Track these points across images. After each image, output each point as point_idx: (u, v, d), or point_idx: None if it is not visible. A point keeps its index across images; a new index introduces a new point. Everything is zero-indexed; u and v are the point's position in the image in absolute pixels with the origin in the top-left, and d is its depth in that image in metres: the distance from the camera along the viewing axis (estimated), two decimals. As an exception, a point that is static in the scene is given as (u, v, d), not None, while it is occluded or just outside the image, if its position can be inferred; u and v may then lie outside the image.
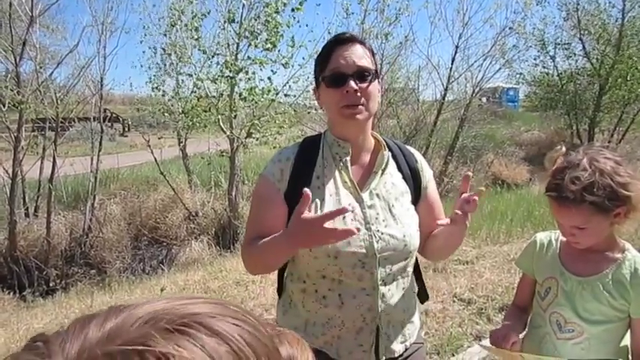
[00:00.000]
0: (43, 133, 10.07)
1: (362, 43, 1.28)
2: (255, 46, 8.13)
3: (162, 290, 4.87)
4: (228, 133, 8.50)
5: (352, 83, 1.21)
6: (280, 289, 1.44)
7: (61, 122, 9.10)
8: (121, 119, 22.09)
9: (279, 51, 8.19)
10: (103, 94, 10.38)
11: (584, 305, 1.25)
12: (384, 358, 1.30)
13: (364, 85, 1.23)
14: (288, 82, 8.80)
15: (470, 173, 1.24)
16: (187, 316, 0.37)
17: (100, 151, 9.74)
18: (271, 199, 1.28)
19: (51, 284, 8.27)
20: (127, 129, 21.92)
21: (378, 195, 1.29)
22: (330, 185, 1.28)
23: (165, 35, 9.79)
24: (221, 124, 8.50)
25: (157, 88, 10.12)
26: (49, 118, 9.32)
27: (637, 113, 14.53)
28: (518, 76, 16.14)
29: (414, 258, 1.35)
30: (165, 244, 9.72)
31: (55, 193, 9.26)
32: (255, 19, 8.09)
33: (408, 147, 1.45)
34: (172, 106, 10.45)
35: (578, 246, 1.26)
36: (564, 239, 1.33)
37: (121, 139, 20.44)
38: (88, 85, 9.99)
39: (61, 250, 8.86)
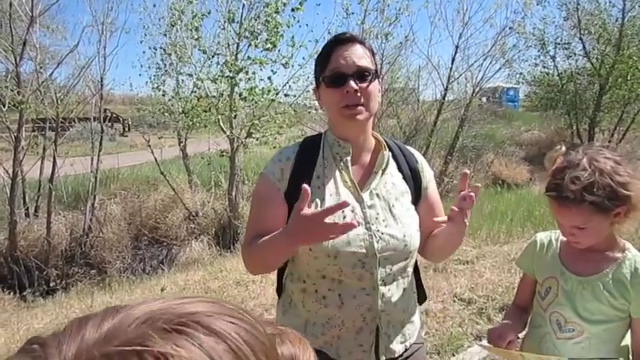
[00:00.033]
0: (43, 133, 10.08)
1: (362, 43, 1.28)
2: (256, 46, 8.13)
3: (162, 290, 4.88)
4: (228, 133, 8.50)
5: (352, 83, 1.21)
6: (280, 289, 1.45)
7: (62, 122, 9.10)
8: (121, 119, 22.11)
9: (279, 51, 8.21)
10: (103, 94, 10.39)
11: (585, 305, 1.25)
12: (383, 358, 1.29)
13: (364, 84, 1.23)
14: (288, 82, 8.82)
15: (467, 171, 1.24)
16: (185, 316, 0.37)
17: (100, 151, 9.74)
18: (271, 198, 1.28)
19: (51, 284, 8.27)
20: (127, 129, 21.94)
21: (378, 195, 1.29)
22: (331, 185, 1.28)
23: (165, 35, 9.80)
24: (221, 124, 8.50)
25: (157, 88, 10.13)
26: (49, 118, 9.32)
27: (637, 113, 14.52)
28: (518, 75, 16.15)
29: (415, 258, 1.35)
30: (165, 244, 9.72)
31: (55, 193, 9.27)
32: (255, 19, 8.09)
33: (409, 147, 1.44)
34: (172, 106, 10.46)
35: (579, 246, 1.26)
36: (564, 239, 1.33)
37: (121, 139, 20.46)
38: (88, 85, 10.00)
39: (61, 250, 8.87)
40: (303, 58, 8.84)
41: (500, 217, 6.22)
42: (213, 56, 8.61)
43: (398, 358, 1.33)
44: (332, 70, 1.24)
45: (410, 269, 1.34)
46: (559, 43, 14.90)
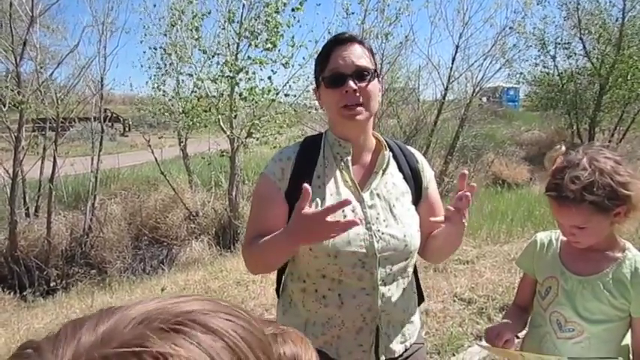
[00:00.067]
0: (43, 133, 10.07)
1: (361, 42, 1.29)
2: (256, 45, 8.13)
3: (162, 290, 4.88)
4: (228, 132, 8.49)
5: (351, 83, 1.21)
6: (279, 289, 1.45)
7: (62, 122, 9.09)
8: (121, 119, 22.12)
9: (279, 51, 8.20)
10: (104, 94, 10.38)
11: (585, 304, 1.25)
12: (383, 358, 1.29)
13: (363, 84, 1.23)
14: (288, 82, 8.81)
15: (466, 171, 1.23)
16: (181, 315, 0.37)
17: (100, 151, 9.74)
18: (272, 197, 1.28)
19: (51, 284, 8.27)
20: (127, 129, 21.94)
21: (378, 195, 1.29)
22: (331, 185, 1.28)
23: (165, 35, 9.79)
24: (221, 124, 8.50)
25: (157, 87, 10.13)
26: (49, 118, 9.31)
27: (637, 113, 14.50)
28: (518, 75, 16.12)
29: (415, 259, 1.35)
30: (165, 244, 9.72)
31: (55, 193, 9.27)
32: (256, 19, 8.09)
33: (409, 147, 1.44)
34: (173, 105, 10.46)
35: (579, 245, 1.26)
36: (565, 239, 1.33)
37: (122, 139, 20.47)
38: (88, 85, 9.98)
39: (61, 250, 8.87)
40: (304, 57, 8.84)
41: (500, 217, 6.22)
42: (213, 56, 8.61)
43: (398, 358, 1.33)
44: (331, 71, 1.24)
45: (410, 269, 1.34)
46: (559, 43, 14.90)
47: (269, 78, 8.45)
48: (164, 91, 10.15)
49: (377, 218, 1.26)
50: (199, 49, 8.68)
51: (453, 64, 12.19)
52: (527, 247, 1.46)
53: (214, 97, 8.60)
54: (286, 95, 8.91)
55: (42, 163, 9.34)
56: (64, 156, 9.63)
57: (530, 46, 14.56)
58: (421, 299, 1.46)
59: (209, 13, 8.68)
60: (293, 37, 8.27)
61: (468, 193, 1.19)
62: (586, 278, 1.26)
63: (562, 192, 1.17)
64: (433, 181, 1.43)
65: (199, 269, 5.97)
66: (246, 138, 8.70)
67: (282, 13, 7.92)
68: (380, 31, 10.32)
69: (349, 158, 1.30)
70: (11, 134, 8.27)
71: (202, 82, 8.58)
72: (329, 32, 9.02)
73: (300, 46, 8.37)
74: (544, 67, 15.53)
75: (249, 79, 8.28)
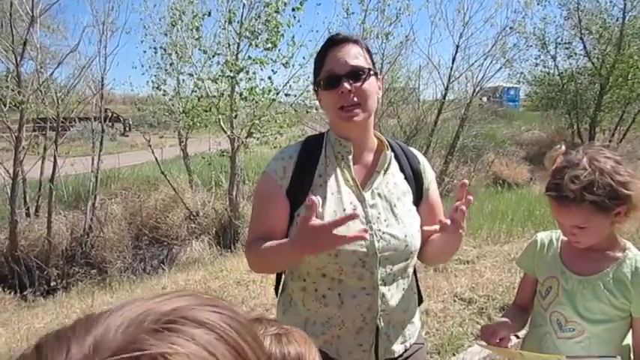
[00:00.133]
0: (44, 132, 10.07)
1: (356, 42, 1.28)
2: (256, 45, 8.13)
3: (163, 290, 4.88)
4: (228, 132, 8.50)
5: (346, 84, 1.21)
6: (278, 288, 1.45)
7: (62, 122, 9.10)
8: (121, 119, 22.15)
9: (279, 50, 8.21)
10: (104, 93, 10.38)
11: (585, 304, 1.25)
12: (383, 358, 1.29)
13: (358, 84, 1.23)
14: (288, 82, 8.81)
15: (466, 181, 1.21)
16: (170, 313, 0.36)
17: (100, 150, 9.75)
18: (274, 196, 1.28)
19: (52, 284, 8.28)
20: (127, 129, 21.97)
21: (380, 194, 1.29)
22: (332, 183, 1.28)
23: (165, 35, 9.80)
24: (222, 123, 8.50)
25: (157, 87, 10.13)
26: (49, 117, 9.32)
27: (638, 113, 14.50)
28: (518, 75, 16.14)
29: (415, 259, 1.35)
30: (166, 243, 9.73)
31: (55, 193, 9.28)
32: (256, 19, 8.09)
33: (411, 148, 1.44)
34: (173, 105, 10.46)
35: (579, 245, 1.26)
36: (565, 239, 1.33)
37: (122, 139, 20.50)
38: (88, 84, 9.99)
39: (61, 250, 8.87)
40: (304, 57, 8.85)
41: (500, 217, 6.22)
42: (213, 56, 8.62)
43: (398, 359, 1.33)
44: (326, 72, 1.25)
45: (410, 270, 1.34)
46: (560, 43, 14.90)
47: (269, 78, 8.47)
48: (164, 91, 10.15)
49: (378, 218, 1.26)
50: (200, 49, 8.69)
51: (453, 63, 12.21)
52: (527, 247, 1.46)
53: (215, 96, 8.60)
54: (287, 95, 8.92)
55: (42, 162, 9.35)
56: (65, 156, 9.64)
57: (531, 45, 14.59)
58: (420, 300, 1.46)
59: (209, 13, 8.69)
60: (293, 37, 8.28)
61: (464, 207, 1.17)
62: (586, 278, 1.26)
63: (562, 192, 1.17)
64: (434, 183, 1.43)
65: (200, 269, 5.98)
66: (246, 138, 8.71)
67: (283, 12, 7.93)
68: (380, 31, 10.33)
69: (350, 157, 1.30)
70: (12, 134, 8.28)
71: (203, 81, 8.59)
72: (329, 32, 9.04)
73: (301, 46, 8.39)
74: (544, 67, 15.55)
75: (249, 78, 8.28)
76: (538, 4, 13.57)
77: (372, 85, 1.26)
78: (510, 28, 12.50)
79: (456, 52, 12.10)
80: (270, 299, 3.92)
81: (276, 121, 8.86)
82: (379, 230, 1.24)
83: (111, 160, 12.44)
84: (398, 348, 1.32)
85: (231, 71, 8.02)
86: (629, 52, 13.47)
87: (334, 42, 1.27)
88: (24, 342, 3.80)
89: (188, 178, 11.65)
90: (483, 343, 1.36)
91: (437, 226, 1.22)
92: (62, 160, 9.37)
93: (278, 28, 7.91)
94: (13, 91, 8.09)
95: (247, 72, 8.22)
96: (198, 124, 10.04)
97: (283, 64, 8.33)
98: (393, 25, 10.36)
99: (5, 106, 8.11)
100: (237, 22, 8.12)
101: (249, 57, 8.32)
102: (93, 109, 10.06)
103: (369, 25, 10.21)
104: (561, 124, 17.18)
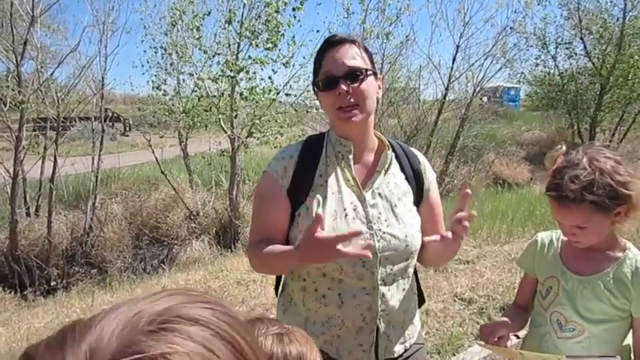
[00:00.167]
0: (44, 132, 10.08)
1: (353, 42, 1.28)
2: (256, 45, 8.13)
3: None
4: (229, 132, 8.50)
5: (342, 85, 1.21)
6: (278, 288, 1.45)
7: (62, 122, 9.10)
8: (122, 119, 22.16)
9: (279, 50, 8.21)
10: (104, 93, 10.38)
11: (585, 304, 1.25)
12: (383, 358, 1.29)
13: (356, 84, 1.23)
14: (289, 82, 8.81)
15: (469, 191, 1.21)
16: (163, 313, 0.36)
17: (101, 150, 9.75)
18: (274, 195, 1.29)
19: (52, 283, 8.28)
20: (128, 128, 21.98)
21: (380, 194, 1.29)
22: (333, 183, 1.28)
23: (166, 35, 9.80)
24: (222, 123, 8.50)
25: (157, 87, 10.13)
26: (50, 117, 9.32)
27: (638, 113, 14.50)
28: (519, 75, 16.14)
29: (415, 259, 1.35)
30: (166, 243, 9.73)
31: (56, 193, 9.28)
32: (256, 19, 8.09)
33: (412, 149, 1.44)
34: (173, 105, 10.46)
35: (579, 245, 1.26)
36: (565, 238, 1.33)
37: (122, 139, 20.51)
38: (89, 84, 9.98)
39: (62, 250, 8.88)
40: (304, 57, 8.85)
41: (500, 217, 6.22)
42: (214, 56, 8.62)
43: (398, 359, 1.33)
44: (324, 74, 1.25)
45: (411, 270, 1.34)
46: (560, 43, 14.90)
47: (269, 78, 8.47)
48: (165, 91, 10.16)
49: (378, 218, 1.26)
50: (200, 49, 8.69)
51: (453, 63, 12.22)
52: (527, 247, 1.46)
53: (215, 96, 8.61)
54: (287, 95, 8.92)
55: (42, 162, 9.35)
56: (65, 155, 9.64)
57: (531, 45, 14.59)
58: (422, 301, 1.47)
59: (209, 12, 8.69)
60: (294, 37, 8.28)
61: (467, 223, 1.17)
62: (587, 278, 1.26)
63: (562, 192, 1.17)
64: (435, 183, 1.43)
65: (200, 269, 5.98)
66: (246, 137, 8.71)
67: (283, 12, 7.93)
68: (380, 31, 10.34)
69: (351, 157, 1.30)
70: (12, 134, 8.28)
71: (203, 81, 8.59)
72: (329, 32, 9.04)
73: (301, 46, 8.39)
74: (545, 67, 15.55)
75: (249, 78, 8.29)
76: (538, 4, 13.59)
77: (370, 85, 1.25)
78: (511, 28, 12.52)
79: (457, 52, 12.12)
80: (270, 299, 3.92)
81: (276, 121, 8.86)
82: (379, 230, 1.24)
83: (111, 159, 12.44)
84: (398, 348, 1.32)
85: (231, 71, 8.03)
86: (630, 52, 13.47)
87: (331, 43, 1.27)
88: (24, 341, 3.80)
89: (188, 177, 11.65)
90: (483, 342, 1.36)
91: (437, 237, 1.21)
92: (62, 160, 9.38)
93: (278, 27, 7.91)
94: (13, 90, 8.10)
95: (247, 72, 8.22)
96: (198, 123, 10.04)
97: (283, 64, 8.34)
98: (393, 25, 10.38)
99: (5, 105, 8.11)
100: (238, 22, 8.12)
101: (250, 57, 8.33)
102: (93, 108, 10.06)
103: (370, 25, 10.23)
104: (561, 124, 17.18)
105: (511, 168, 15.91)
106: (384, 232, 1.24)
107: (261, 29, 8.04)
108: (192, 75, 9.12)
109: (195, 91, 9.24)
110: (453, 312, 3.43)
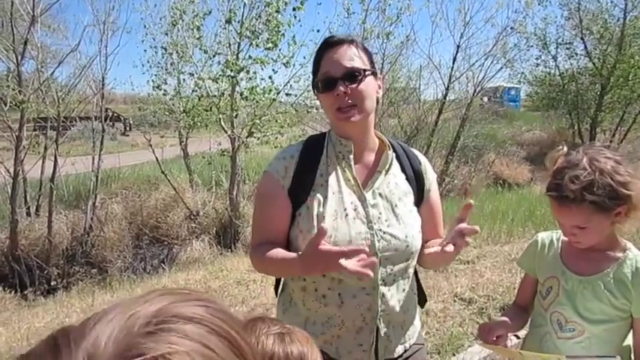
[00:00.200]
0: (44, 132, 10.08)
1: (351, 42, 1.28)
2: (257, 45, 8.12)
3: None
4: (229, 132, 8.49)
5: (341, 87, 1.22)
6: (278, 288, 1.45)
7: (63, 121, 9.10)
8: (122, 118, 22.16)
9: (280, 50, 8.20)
10: (105, 93, 10.37)
11: (585, 304, 1.25)
12: (383, 358, 1.30)
13: (354, 85, 1.23)
14: (289, 82, 8.81)
15: (472, 201, 1.20)
16: (157, 313, 0.36)
17: (101, 150, 9.74)
18: (275, 195, 1.29)
19: (52, 283, 8.28)
20: (128, 128, 21.99)
21: (381, 194, 1.29)
22: (333, 183, 1.28)
23: (166, 34, 9.80)
24: (222, 123, 8.50)
25: (158, 87, 10.13)
26: (50, 117, 9.31)
27: (639, 113, 14.49)
28: (519, 75, 16.11)
29: (416, 260, 1.35)
30: (166, 243, 9.72)
31: (56, 193, 9.28)
32: (257, 19, 8.09)
33: (413, 149, 1.45)
34: (174, 105, 10.46)
35: (580, 245, 1.26)
36: (566, 239, 1.33)
37: (123, 139, 20.51)
38: (89, 84, 9.97)
39: (62, 249, 8.87)
40: (304, 57, 8.85)
41: (501, 217, 6.22)
42: (214, 55, 8.62)
43: (398, 359, 1.33)
44: (322, 75, 1.26)
45: (411, 270, 1.34)
46: (560, 43, 14.89)
47: (270, 77, 8.46)
48: (165, 91, 10.15)
49: (379, 218, 1.26)
50: (200, 49, 8.69)
51: (454, 63, 12.21)
52: (528, 247, 1.46)
53: (215, 96, 8.60)
54: (287, 95, 8.91)
55: (43, 162, 9.34)
56: (65, 155, 9.64)
57: (532, 46, 14.57)
58: (424, 300, 1.46)
59: (210, 12, 8.69)
60: (294, 37, 8.28)
61: (469, 239, 1.16)
62: (587, 278, 1.26)
63: (562, 192, 1.17)
64: (435, 184, 1.43)
65: (200, 269, 5.98)
66: (247, 137, 8.71)
67: (283, 12, 7.92)
68: (381, 31, 10.33)
69: (351, 157, 1.31)
70: (12, 133, 8.28)
71: (203, 81, 8.58)
72: (330, 32, 9.04)
73: (302, 46, 8.38)
74: (545, 67, 15.54)
75: (250, 78, 8.28)
76: (539, 5, 13.57)
77: (368, 85, 1.25)
78: (511, 28, 12.51)
79: (457, 52, 12.11)
80: (270, 299, 3.92)
81: (276, 121, 8.86)
82: (380, 230, 1.24)
83: (111, 159, 12.43)
84: (398, 348, 1.32)
85: (231, 71, 8.02)
86: (630, 52, 13.46)
87: (330, 44, 1.27)
88: (24, 341, 3.80)
89: (188, 177, 11.65)
90: (482, 342, 1.36)
91: (438, 249, 1.20)
92: (63, 160, 9.37)
93: (279, 27, 7.90)
94: (13, 90, 8.10)
95: (248, 71, 8.21)
96: (198, 123, 10.03)
97: (284, 64, 8.33)
98: (393, 25, 10.37)
99: (6, 105, 8.11)
100: (238, 22, 8.12)
101: (250, 56, 8.31)
102: (94, 108, 10.05)
103: (370, 25, 10.22)
104: (562, 124, 17.16)
105: (511, 168, 15.91)
106: (384, 232, 1.24)
107: (261, 29, 8.04)
108: (193, 75, 9.12)
109: (196, 91, 9.24)
110: (453, 312, 3.43)
